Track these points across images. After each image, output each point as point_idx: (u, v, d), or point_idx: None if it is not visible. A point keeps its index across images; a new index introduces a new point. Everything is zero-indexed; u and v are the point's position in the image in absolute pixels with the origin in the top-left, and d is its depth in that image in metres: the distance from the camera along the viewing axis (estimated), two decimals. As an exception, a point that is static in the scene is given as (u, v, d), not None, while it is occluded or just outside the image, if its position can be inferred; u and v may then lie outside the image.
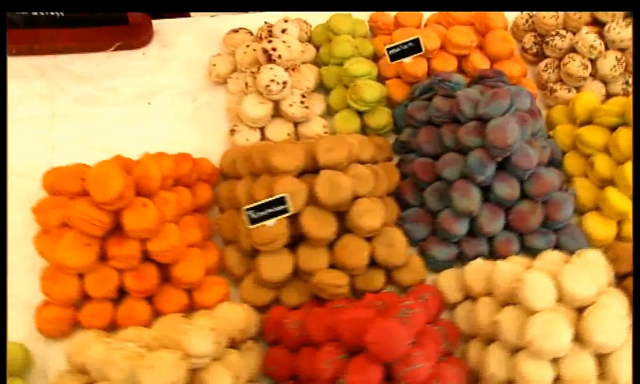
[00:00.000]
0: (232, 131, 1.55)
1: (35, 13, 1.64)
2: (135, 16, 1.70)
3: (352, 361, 1.11)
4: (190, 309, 1.31)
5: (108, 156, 1.40)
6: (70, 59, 1.68)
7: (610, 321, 1.20)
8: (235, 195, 1.41)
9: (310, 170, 1.38)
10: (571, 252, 1.37)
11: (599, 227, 1.48)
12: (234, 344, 1.22)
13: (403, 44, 1.63)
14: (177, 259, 1.29)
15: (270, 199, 1.28)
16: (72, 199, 1.32)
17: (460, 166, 1.42)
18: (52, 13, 1.65)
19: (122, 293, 1.30)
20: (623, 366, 1.18)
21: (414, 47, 1.63)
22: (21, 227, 1.40)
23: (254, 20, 1.78)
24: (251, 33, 1.74)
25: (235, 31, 1.73)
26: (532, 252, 1.41)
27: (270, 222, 1.30)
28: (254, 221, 1.29)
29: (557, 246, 1.43)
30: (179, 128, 1.60)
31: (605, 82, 1.71)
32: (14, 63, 1.62)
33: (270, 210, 1.29)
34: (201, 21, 1.81)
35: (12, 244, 1.37)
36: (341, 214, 1.36)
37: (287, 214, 1.30)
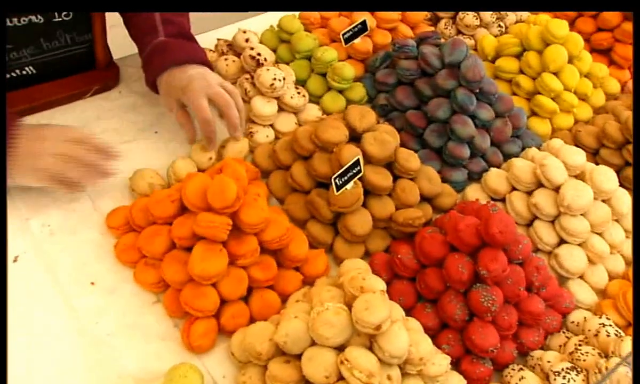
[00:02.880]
0: (251, 134, 1.68)
1: (7, 75, 1.57)
2: (102, 59, 1.71)
3: (482, 254, 1.37)
4: (305, 284, 1.43)
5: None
6: (51, 114, 1.63)
7: (608, 174, 1.63)
8: (293, 180, 1.55)
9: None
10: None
11: (540, 126, 1.93)
12: (368, 290, 1.39)
13: (354, 27, 1.90)
14: (289, 242, 1.41)
15: (350, 163, 1.47)
16: (167, 223, 1.37)
17: (447, 106, 1.75)
18: (23, 72, 1.60)
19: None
20: (623, 202, 1.63)
21: (362, 28, 1.91)
22: (114, 274, 1.38)
23: (205, 39, 1.89)
24: (212, 50, 1.86)
25: (198, 51, 1.84)
26: (510, 157, 1.80)
27: (349, 186, 1.48)
28: (338, 188, 1.47)
29: (524, 147, 1.84)
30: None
31: (487, 27, 2.19)
32: None
33: (349, 174, 1.47)
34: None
35: (114, 292, 1.36)
36: (386, 166, 1.60)
37: (360, 175, 1.50)
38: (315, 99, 1.84)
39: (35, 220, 1.43)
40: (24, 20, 1.52)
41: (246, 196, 1.36)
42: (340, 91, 1.84)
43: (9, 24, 1.49)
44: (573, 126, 1.95)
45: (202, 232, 1.30)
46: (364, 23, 1.91)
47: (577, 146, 1.82)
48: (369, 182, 1.53)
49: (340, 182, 1.47)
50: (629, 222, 1.64)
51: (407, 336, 1.22)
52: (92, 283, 1.36)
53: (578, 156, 1.66)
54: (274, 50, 1.90)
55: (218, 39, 1.89)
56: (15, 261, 1.36)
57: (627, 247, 1.63)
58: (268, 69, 1.70)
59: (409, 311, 1.43)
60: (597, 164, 1.73)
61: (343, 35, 1.90)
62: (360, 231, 1.49)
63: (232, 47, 1.86)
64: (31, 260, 1.37)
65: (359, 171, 1.49)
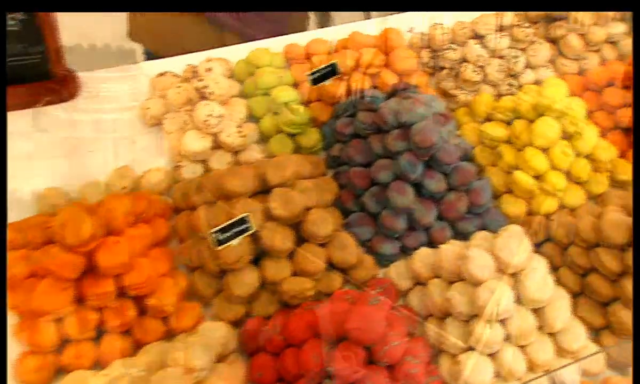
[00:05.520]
0: (177, 167, 1.64)
1: (-42, 77, 1.64)
2: (60, 70, 1.74)
3: (336, 350, 1.23)
4: (168, 335, 1.37)
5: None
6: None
7: (541, 280, 1.40)
8: (194, 224, 1.49)
9: (261, 190, 1.51)
10: (495, 231, 1.59)
11: (512, 206, 1.70)
12: (219, 359, 1.30)
13: (323, 68, 1.79)
14: (152, 290, 1.35)
15: (233, 220, 1.38)
16: (38, 249, 1.36)
17: (392, 169, 1.59)
18: (-24, 75, 1.66)
19: (99, 331, 1.34)
20: (557, 315, 1.39)
21: (332, 71, 1.80)
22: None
23: (177, 63, 1.88)
24: (177, 75, 1.84)
25: (162, 74, 1.82)
26: (463, 236, 1.60)
27: (235, 242, 1.40)
28: (220, 243, 1.39)
29: (483, 227, 1.63)
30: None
31: (493, 85, 1.97)
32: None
33: (234, 230, 1.39)
34: (124, 69, 1.88)
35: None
36: (295, 226, 1.49)
37: (249, 232, 1.40)
38: (265, 140, 1.76)
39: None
40: (-24, 28, 1.58)
41: (108, 237, 1.32)
42: (293, 135, 1.74)
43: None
44: (555, 212, 1.70)
45: (47, 266, 1.28)
46: (333, 66, 1.79)
47: (548, 237, 1.60)
48: (263, 242, 1.43)
49: (222, 237, 1.38)
50: (563, 339, 1.40)
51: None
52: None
53: (518, 256, 1.43)
54: (242, 83, 1.85)
55: (187, 65, 1.86)
56: None
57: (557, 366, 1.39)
58: (207, 104, 1.65)
59: (266, 389, 1.32)
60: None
61: (309, 75, 1.79)
62: (238, 291, 1.40)
63: (197, 75, 1.83)
64: None
65: (247, 229, 1.40)
